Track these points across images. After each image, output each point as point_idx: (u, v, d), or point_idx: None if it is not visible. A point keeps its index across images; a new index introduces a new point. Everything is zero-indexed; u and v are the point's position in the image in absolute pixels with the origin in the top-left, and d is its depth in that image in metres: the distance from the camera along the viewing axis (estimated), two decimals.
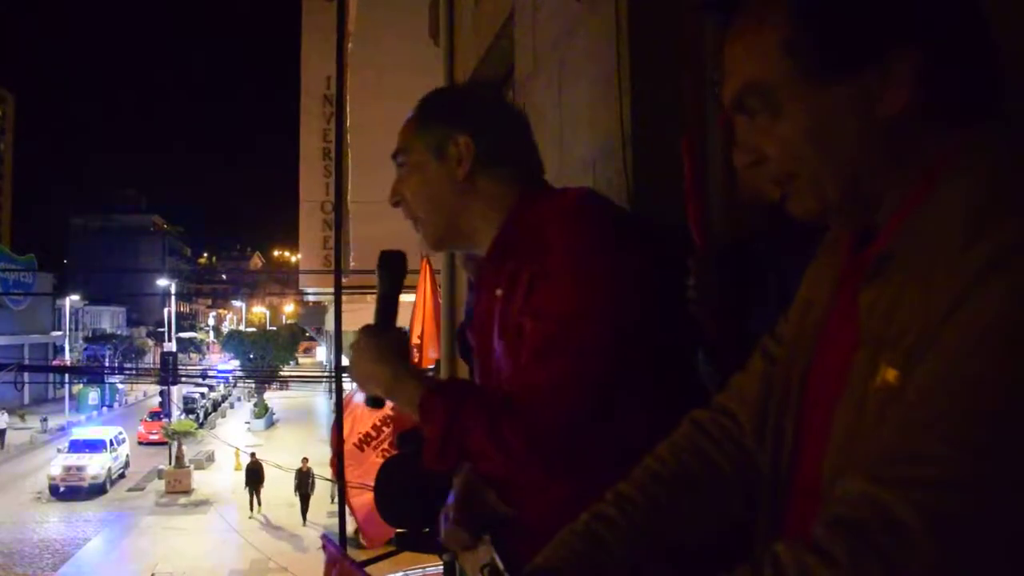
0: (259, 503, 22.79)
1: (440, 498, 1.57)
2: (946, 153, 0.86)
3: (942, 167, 0.85)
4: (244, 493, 23.35)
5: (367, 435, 7.34)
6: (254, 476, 23.02)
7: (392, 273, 1.58)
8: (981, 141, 0.85)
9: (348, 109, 10.55)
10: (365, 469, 6.94)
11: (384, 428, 7.27)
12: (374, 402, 1.56)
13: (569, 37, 3.38)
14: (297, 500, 21.40)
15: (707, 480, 1.11)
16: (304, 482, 21.33)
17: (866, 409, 0.84)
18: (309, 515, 21.26)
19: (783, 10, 0.89)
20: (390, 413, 7.14)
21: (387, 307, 1.59)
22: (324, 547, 1.80)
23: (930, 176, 0.86)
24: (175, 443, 27.63)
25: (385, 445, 7.08)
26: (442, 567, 1.77)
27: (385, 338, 1.53)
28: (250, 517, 22.12)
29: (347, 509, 6.95)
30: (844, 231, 1.01)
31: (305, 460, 21.53)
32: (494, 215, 1.56)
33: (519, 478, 1.48)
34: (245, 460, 25.50)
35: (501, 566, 1.41)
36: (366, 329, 1.55)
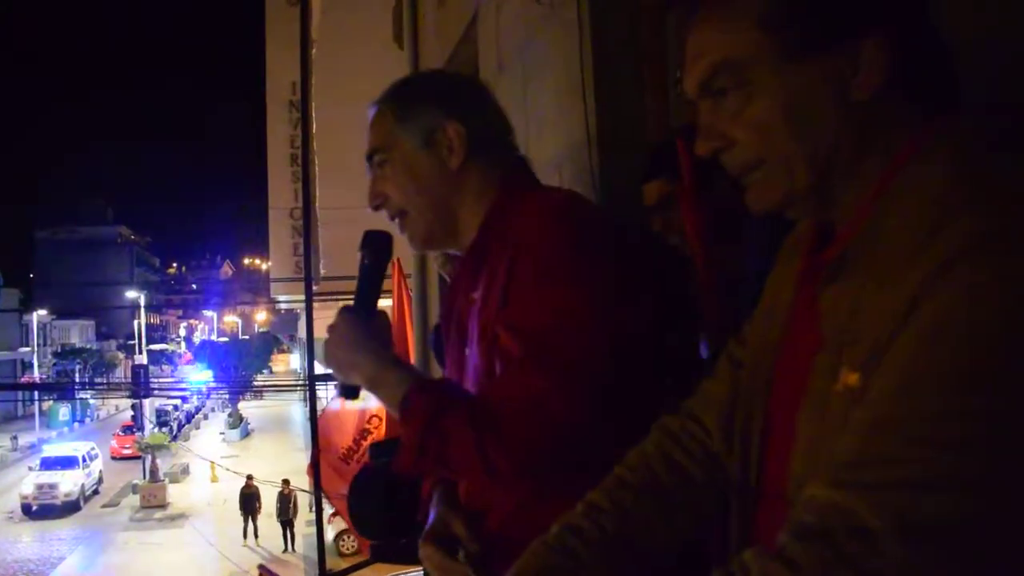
0: (256, 532, 21.04)
1: (412, 510, 1.55)
2: (910, 144, 0.86)
3: (905, 159, 0.85)
4: (222, 506, 23.04)
5: (350, 448, 7.30)
6: (249, 502, 21.07)
7: (377, 253, 1.46)
8: (942, 133, 0.85)
9: (314, 115, 10.48)
10: (348, 481, 6.90)
11: (362, 441, 7.23)
12: (348, 392, 1.46)
13: (532, 40, 3.38)
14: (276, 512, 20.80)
15: (677, 487, 1.10)
16: (285, 507, 20.03)
17: (829, 412, 0.84)
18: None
19: None
20: (367, 427, 7.14)
21: (370, 289, 1.47)
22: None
23: (892, 169, 0.86)
24: (149, 457, 27.33)
25: (367, 458, 7.04)
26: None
27: (368, 322, 1.42)
28: (243, 545, 20.72)
29: (324, 519, 6.92)
30: (806, 230, 1.01)
31: (286, 482, 20.07)
32: (481, 211, 1.46)
33: (496, 495, 1.40)
34: (221, 473, 25.14)
35: None
36: (346, 311, 1.44)
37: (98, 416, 45.80)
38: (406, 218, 1.50)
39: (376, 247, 1.47)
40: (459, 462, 1.31)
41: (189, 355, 68.06)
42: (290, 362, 52.79)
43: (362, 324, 1.42)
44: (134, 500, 26.22)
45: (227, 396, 41.69)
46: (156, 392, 34.94)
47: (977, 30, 1.17)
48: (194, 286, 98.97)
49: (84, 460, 27.60)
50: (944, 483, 0.69)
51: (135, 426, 33.18)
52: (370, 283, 1.48)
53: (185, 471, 29.39)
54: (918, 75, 0.87)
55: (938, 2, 0.91)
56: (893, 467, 0.71)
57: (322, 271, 11.34)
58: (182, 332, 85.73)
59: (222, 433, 37.93)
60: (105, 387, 42.89)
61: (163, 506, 25.35)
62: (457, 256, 1.57)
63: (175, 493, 26.43)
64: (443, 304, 1.67)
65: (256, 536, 21.01)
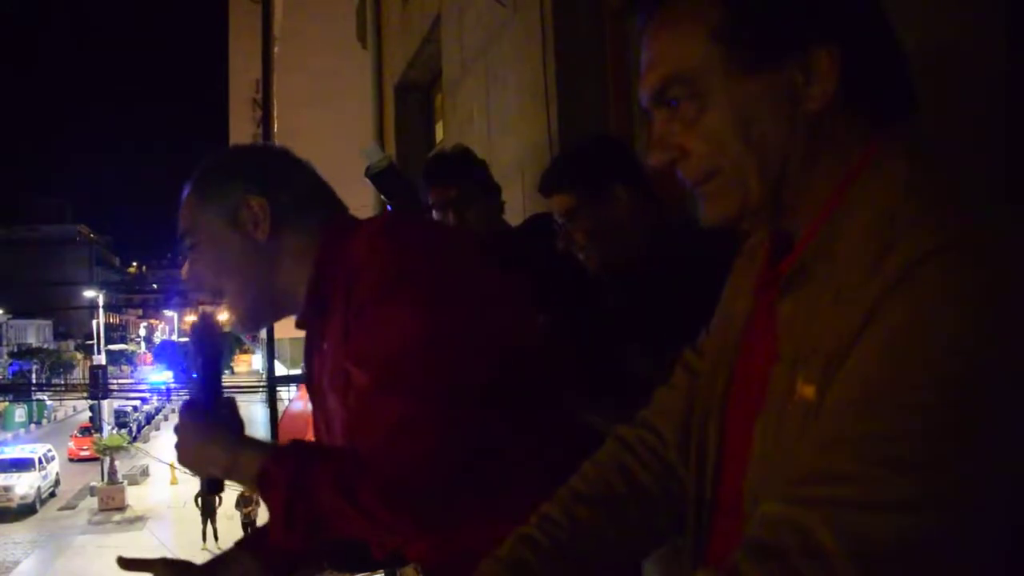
0: (215, 535, 20.77)
1: None
2: (863, 156, 0.85)
3: (858, 171, 0.85)
4: (182, 508, 22.73)
5: None
6: (208, 504, 20.80)
7: (204, 342, 1.44)
8: (895, 144, 0.85)
9: (276, 113, 10.40)
10: None
11: None
12: (212, 486, 1.40)
13: (495, 42, 3.37)
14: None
15: (632, 499, 1.08)
16: (246, 508, 19.63)
17: (785, 425, 0.83)
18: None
19: None
20: None
21: (208, 379, 1.43)
22: None
23: (846, 180, 0.85)
24: (107, 459, 26.95)
25: None
26: None
27: (212, 414, 1.39)
28: (203, 549, 19.97)
29: None
30: (762, 240, 1.00)
31: None
32: (306, 270, 1.42)
33: (384, 535, 1.37)
34: (180, 475, 24.79)
35: None
36: (188, 407, 1.41)
37: (55, 417, 45.09)
38: (225, 300, 1.47)
39: (202, 335, 1.44)
40: (333, 519, 1.24)
41: (149, 355, 67.19)
42: (252, 363, 52.30)
43: (206, 416, 1.39)
44: (92, 502, 25.85)
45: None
46: (115, 393, 34.41)
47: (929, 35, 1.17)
48: (155, 285, 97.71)
49: (40, 462, 27.19)
50: (899, 504, 0.69)
51: (93, 427, 32.67)
52: (206, 373, 1.43)
53: (144, 473, 29.03)
54: (871, 86, 0.86)
55: (897, 8, 0.91)
56: (849, 485, 0.70)
57: None
58: (142, 332, 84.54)
59: None
60: (63, 388, 42.16)
61: (122, 508, 25.01)
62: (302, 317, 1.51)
63: (134, 495, 26.09)
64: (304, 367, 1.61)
65: (216, 538, 20.78)
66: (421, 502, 1.23)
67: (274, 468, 1.27)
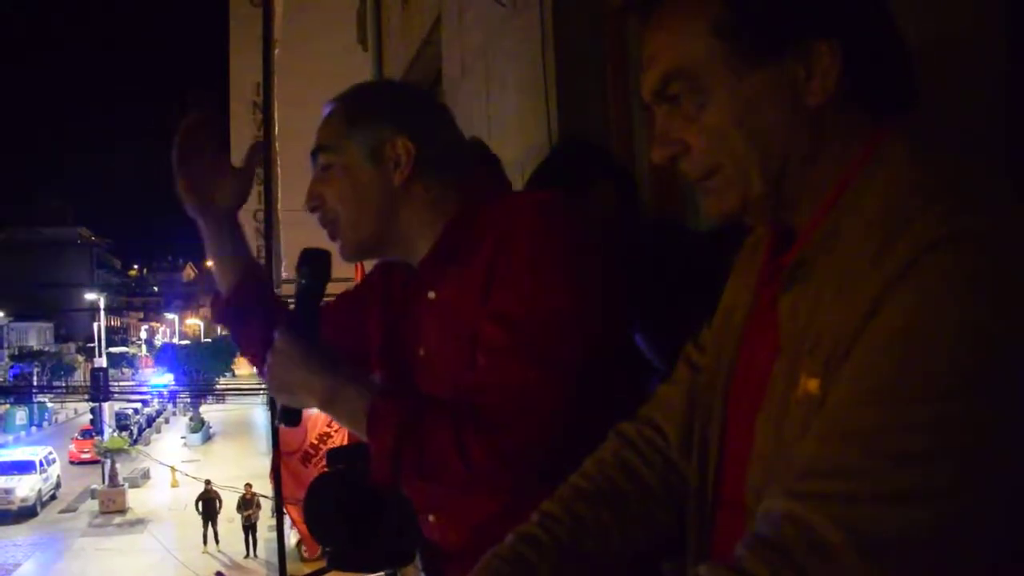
0: (216, 538, 20.75)
1: (369, 518, 1.52)
2: (865, 149, 0.85)
3: (861, 164, 0.85)
4: (183, 511, 22.73)
5: (306, 452, 7.24)
6: (209, 508, 20.63)
7: (315, 272, 1.42)
8: (897, 137, 0.85)
9: (277, 116, 10.39)
10: (306, 486, 6.86)
11: (321, 446, 7.18)
12: (290, 417, 1.39)
13: (495, 42, 3.37)
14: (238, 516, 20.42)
15: (634, 496, 1.08)
16: (248, 511, 19.73)
17: (788, 420, 0.82)
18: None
19: None
20: (328, 430, 7.07)
21: (311, 308, 1.42)
22: None
23: (849, 174, 0.85)
24: (108, 461, 26.94)
25: (324, 463, 7.02)
26: None
27: (314, 341, 1.37)
28: (203, 552, 20.42)
29: (287, 523, 6.86)
30: (764, 235, 1.00)
31: (248, 486, 19.74)
32: (429, 223, 1.42)
33: (473, 491, 1.38)
34: (181, 478, 24.81)
35: None
36: (287, 331, 1.38)
37: (56, 420, 45.02)
38: (338, 226, 1.46)
39: (314, 265, 1.43)
40: (436, 463, 1.27)
41: (150, 358, 67.20)
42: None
43: (308, 342, 1.37)
44: (93, 505, 25.82)
45: (189, 400, 41.17)
46: (116, 396, 34.39)
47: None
48: (155, 288, 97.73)
49: (41, 465, 27.14)
50: (904, 497, 0.68)
51: (94, 430, 32.65)
52: (310, 303, 1.43)
53: (145, 476, 29.01)
54: (873, 80, 0.86)
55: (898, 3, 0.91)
56: (852, 479, 0.70)
57: (283, 274, 11.24)
58: (143, 335, 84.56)
59: (183, 437, 37.49)
60: (64, 390, 42.13)
61: (122, 511, 24.98)
62: (407, 264, 1.50)
63: (135, 498, 26.05)
64: (385, 308, 1.59)
65: (217, 541, 20.77)
66: (526, 466, 1.28)
67: (385, 407, 1.30)
